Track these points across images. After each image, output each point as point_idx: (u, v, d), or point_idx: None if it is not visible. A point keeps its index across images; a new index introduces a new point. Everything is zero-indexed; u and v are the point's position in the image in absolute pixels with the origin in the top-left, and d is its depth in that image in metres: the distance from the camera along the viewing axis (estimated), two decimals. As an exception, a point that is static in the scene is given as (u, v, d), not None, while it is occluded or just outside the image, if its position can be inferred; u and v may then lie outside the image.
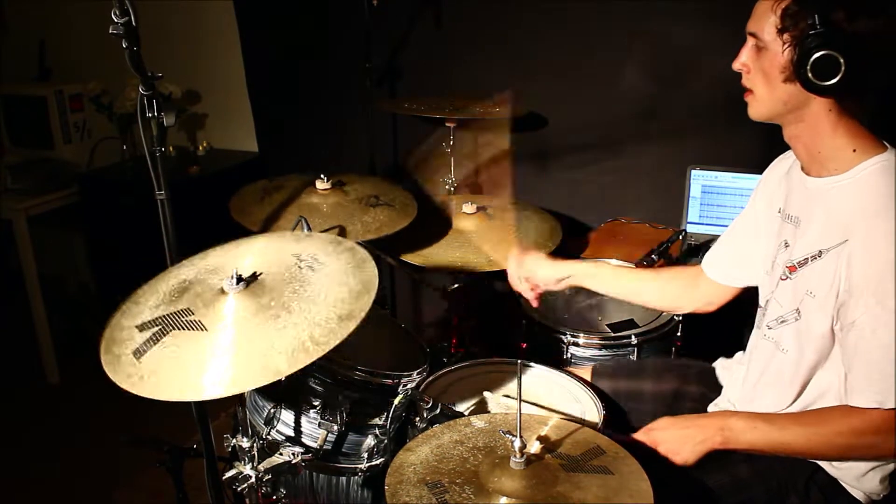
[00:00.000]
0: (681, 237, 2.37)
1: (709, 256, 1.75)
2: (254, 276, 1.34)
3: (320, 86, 3.14)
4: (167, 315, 1.29)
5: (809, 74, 1.27)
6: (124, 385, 1.19)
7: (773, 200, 1.57)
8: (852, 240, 1.30)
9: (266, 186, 2.15)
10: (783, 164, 1.57)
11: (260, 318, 1.24)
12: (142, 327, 1.28)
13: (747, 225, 1.67)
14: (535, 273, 1.80)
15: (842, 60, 1.24)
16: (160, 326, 1.27)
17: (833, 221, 1.35)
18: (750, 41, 1.38)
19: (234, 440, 1.49)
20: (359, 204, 2.08)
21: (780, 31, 1.31)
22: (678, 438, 1.44)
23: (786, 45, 1.30)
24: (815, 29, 1.25)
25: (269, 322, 1.23)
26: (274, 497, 1.59)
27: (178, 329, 1.25)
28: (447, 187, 2.62)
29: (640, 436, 1.48)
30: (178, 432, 1.97)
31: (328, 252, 1.41)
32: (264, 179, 2.24)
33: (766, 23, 1.33)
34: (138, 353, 1.23)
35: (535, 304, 1.86)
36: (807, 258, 1.40)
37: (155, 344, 1.24)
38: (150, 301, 1.35)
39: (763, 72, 1.36)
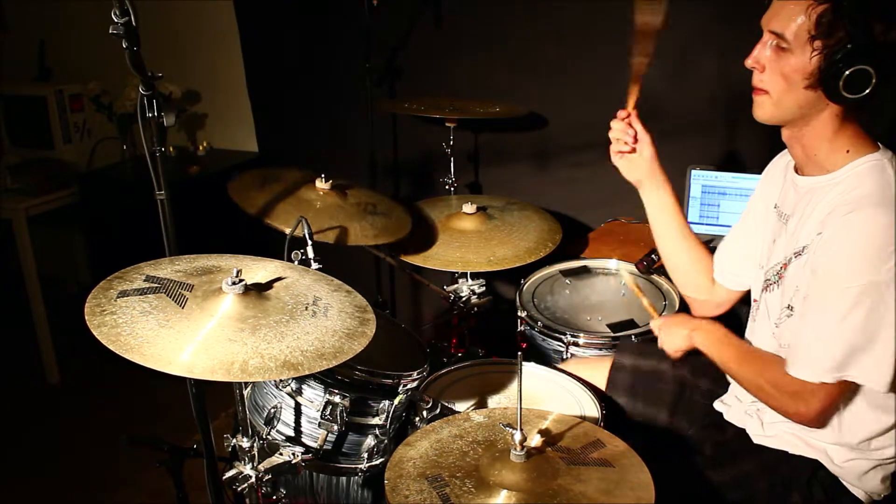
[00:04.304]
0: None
1: (715, 261, 1.75)
2: (266, 287, 1.36)
3: (320, 86, 3.14)
4: (173, 281, 1.32)
5: (841, 88, 1.25)
6: (87, 312, 1.22)
7: (770, 197, 1.57)
8: (825, 232, 1.30)
9: (266, 175, 2.12)
10: (781, 162, 1.57)
11: (229, 324, 1.24)
12: (149, 279, 1.32)
13: (748, 227, 1.67)
14: (642, 142, 1.81)
15: (874, 75, 1.23)
16: (159, 285, 1.31)
17: (815, 218, 1.35)
18: (769, 39, 1.33)
19: (234, 440, 1.49)
20: (356, 209, 2.07)
21: (812, 38, 1.27)
22: (667, 335, 1.66)
23: (815, 53, 1.27)
24: (851, 41, 1.23)
25: (231, 331, 1.23)
26: (274, 497, 1.60)
27: (167, 295, 1.29)
28: (447, 187, 2.62)
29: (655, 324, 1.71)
30: (178, 432, 1.98)
31: (343, 312, 1.38)
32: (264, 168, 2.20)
33: (794, 24, 1.28)
34: (123, 294, 1.27)
35: (614, 157, 1.87)
36: (792, 255, 1.41)
37: (140, 295, 1.27)
38: (181, 266, 1.39)
39: (783, 75, 1.32)
